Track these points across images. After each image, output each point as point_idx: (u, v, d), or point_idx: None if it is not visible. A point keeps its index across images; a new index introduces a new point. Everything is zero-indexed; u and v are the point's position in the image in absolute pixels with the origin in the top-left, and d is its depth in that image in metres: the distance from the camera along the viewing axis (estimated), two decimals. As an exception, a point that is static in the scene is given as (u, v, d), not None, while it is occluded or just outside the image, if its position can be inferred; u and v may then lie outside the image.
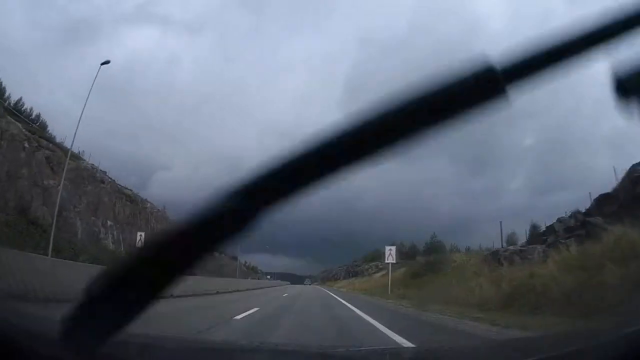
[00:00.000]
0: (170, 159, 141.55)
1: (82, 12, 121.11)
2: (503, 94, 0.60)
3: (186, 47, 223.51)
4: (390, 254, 21.58)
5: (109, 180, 35.02)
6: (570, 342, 1.44)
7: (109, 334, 0.75)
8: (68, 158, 23.35)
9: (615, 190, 12.78)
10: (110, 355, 1.08)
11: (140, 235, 26.25)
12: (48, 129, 35.85)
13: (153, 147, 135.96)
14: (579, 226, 13.26)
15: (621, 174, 12.80)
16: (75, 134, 22.93)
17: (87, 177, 31.98)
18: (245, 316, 7.93)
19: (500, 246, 22.92)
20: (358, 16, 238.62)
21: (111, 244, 29.68)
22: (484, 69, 0.59)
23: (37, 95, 67.74)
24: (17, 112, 31.04)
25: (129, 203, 34.61)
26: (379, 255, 65.21)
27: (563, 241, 12.53)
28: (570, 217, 15.19)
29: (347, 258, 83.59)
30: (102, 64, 24.99)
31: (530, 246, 14.21)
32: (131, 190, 36.31)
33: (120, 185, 35.65)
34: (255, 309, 9.41)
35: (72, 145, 24.77)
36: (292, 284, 79.97)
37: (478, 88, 0.61)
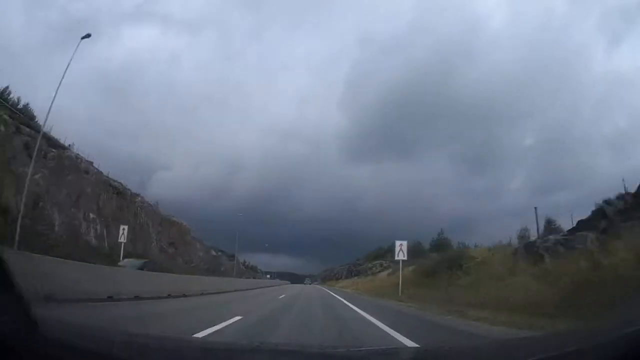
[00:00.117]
0: (170, 159, 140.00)
1: (82, 11, 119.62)
2: None
3: (186, 47, 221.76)
4: (401, 250, 19.06)
5: (95, 171, 32.59)
6: (570, 342, 1.48)
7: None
8: (40, 136, 20.85)
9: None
10: (111, 356, 1.21)
11: (123, 228, 23.79)
12: (36, 120, 33.82)
13: (153, 147, 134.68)
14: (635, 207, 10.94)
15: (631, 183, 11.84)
16: (50, 109, 20.48)
17: (69, 167, 29.52)
18: (214, 332, 5.32)
19: (519, 239, 20.67)
20: (358, 16, 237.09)
21: (93, 239, 27.20)
22: None
23: (37, 95, 66.35)
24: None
25: (116, 195, 32.13)
26: (383, 254, 62.81)
27: (623, 225, 10.11)
28: (618, 199, 12.79)
29: (348, 257, 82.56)
30: (83, 37, 22.66)
31: (579, 233, 11.66)
32: (119, 182, 33.82)
33: (107, 176, 33.19)
34: (236, 319, 6.82)
35: (45, 123, 22.30)
36: (292, 283, 77.84)
37: None
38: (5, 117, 27.27)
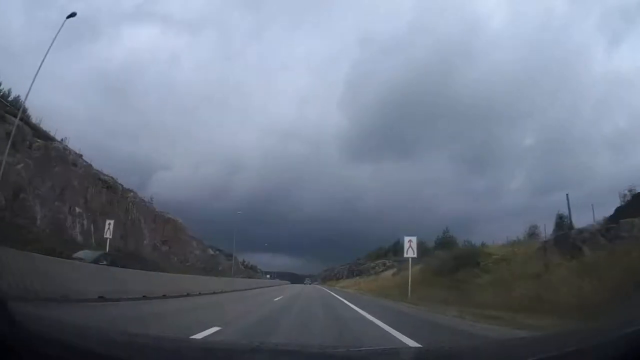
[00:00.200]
0: (169, 159, 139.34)
1: (82, 11, 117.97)
2: None
3: (186, 47, 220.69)
4: (411, 247, 17.34)
5: (84, 163, 30.92)
6: (570, 342, 1.47)
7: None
8: (18, 118, 19.19)
9: None
10: (111, 356, 1.21)
11: (109, 223, 22.11)
12: (27, 112, 32.34)
13: (153, 147, 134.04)
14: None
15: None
16: (29, 89, 18.89)
17: (55, 158, 27.86)
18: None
19: (529, 236, 19.02)
20: (358, 16, 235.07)
21: (79, 235, 25.53)
22: None
23: (36, 94, 65.23)
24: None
25: (106, 190, 30.44)
26: (385, 253, 61.17)
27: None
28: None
29: (348, 257, 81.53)
30: (68, 17, 21.22)
31: (624, 220, 9.97)
32: (109, 176, 32.13)
33: (96, 170, 31.52)
34: (212, 331, 5.12)
35: (24, 103, 20.69)
36: (292, 283, 76.21)
37: None
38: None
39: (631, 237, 9.22)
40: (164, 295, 11.16)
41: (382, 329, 6.41)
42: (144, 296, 9.93)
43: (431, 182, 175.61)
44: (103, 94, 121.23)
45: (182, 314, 7.77)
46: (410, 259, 17.51)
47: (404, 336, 5.48)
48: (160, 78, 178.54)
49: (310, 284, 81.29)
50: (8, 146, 18.34)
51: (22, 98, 31.12)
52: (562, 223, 22.79)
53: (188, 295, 13.07)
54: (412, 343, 4.94)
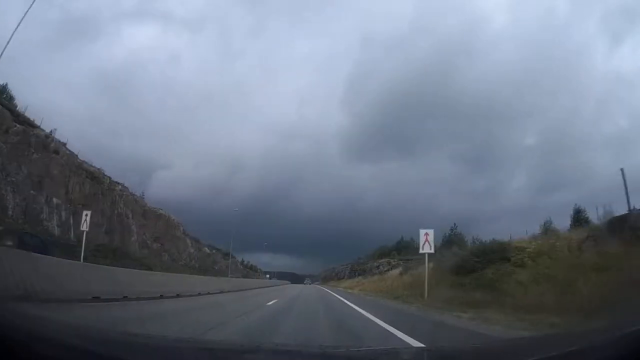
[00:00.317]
0: (169, 158, 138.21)
1: (82, 10, 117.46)
2: None
3: (187, 46, 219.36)
4: (427, 241, 15.00)
5: (67, 152, 28.68)
6: (570, 342, 1.49)
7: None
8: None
9: None
10: (111, 356, 1.20)
11: (86, 214, 19.84)
12: (16, 103, 30.30)
13: (153, 146, 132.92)
14: None
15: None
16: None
17: (35, 145, 25.62)
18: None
19: (544, 231, 16.94)
20: (360, 15, 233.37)
21: (56, 227, 23.26)
22: None
23: (36, 93, 64.07)
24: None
25: (90, 181, 28.17)
26: (388, 252, 58.83)
27: None
28: None
29: (348, 257, 79.80)
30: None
31: None
32: (94, 167, 29.86)
33: (81, 160, 29.27)
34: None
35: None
36: (292, 283, 74.09)
37: None
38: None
39: None
40: (125, 297, 8.85)
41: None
42: (94, 298, 7.64)
43: (431, 181, 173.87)
44: (103, 93, 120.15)
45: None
46: (426, 255, 15.16)
47: None
48: (160, 77, 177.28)
49: (310, 284, 79.16)
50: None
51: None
52: (580, 217, 20.68)
53: (161, 297, 10.75)
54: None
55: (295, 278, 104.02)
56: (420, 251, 15.15)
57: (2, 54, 14.86)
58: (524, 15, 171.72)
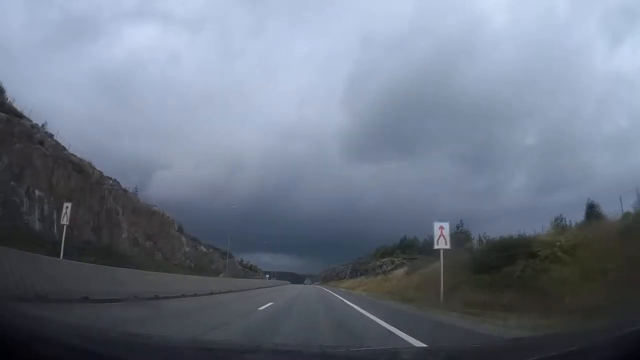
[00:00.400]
0: (169, 158, 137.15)
1: (81, 10, 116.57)
2: None
3: (187, 46, 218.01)
4: (442, 235, 13.34)
5: (53, 143, 27.02)
6: (570, 342, 1.49)
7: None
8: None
9: None
10: (111, 356, 1.20)
11: (67, 206, 18.24)
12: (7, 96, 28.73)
13: (153, 146, 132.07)
14: None
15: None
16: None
17: (18, 135, 23.94)
18: None
19: (554, 227, 15.39)
20: (360, 15, 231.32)
21: (37, 222, 21.58)
22: None
23: (36, 93, 63.08)
24: None
25: (77, 174, 26.48)
26: (391, 251, 57.10)
27: None
28: None
29: (349, 257, 78.70)
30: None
31: None
32: (81, 159, 28.17)
33: (67, 151, 27.58)
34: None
35: None
36: (292, 283, 72.56)
37: None
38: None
39: None
40: (87, 298, 7.17)
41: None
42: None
43: (431, 181, 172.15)
44: (103, 93, 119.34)
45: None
46: (441, 252, 13.49)
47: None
48: (160, 77, 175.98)
49: (310, 284, 77.61)
50: None
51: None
52: (593, 212, 19.24)
53: (135, 297, 9.05)
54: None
55: (295, 278, 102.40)
56: (435, 246, 13.48)
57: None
58: (524, 15, 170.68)
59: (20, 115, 26.68)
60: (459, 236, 38.43)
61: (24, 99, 28.53)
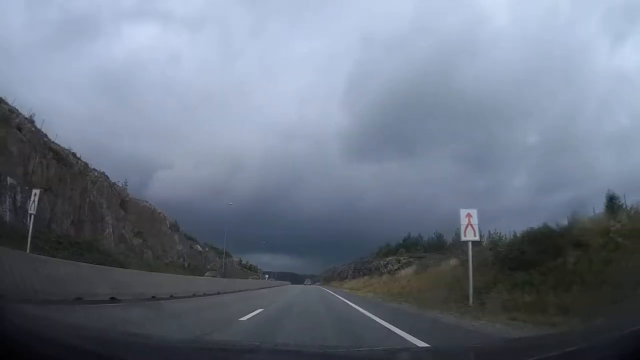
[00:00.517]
0: (169, 158, 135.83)
1: (81, 10, 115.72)
2: None
3: (187, 46, 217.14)
4: (470, 224, 11.07)
5: (32, 129, 24.85)
6: (570, 342, 1.51)
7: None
8: None
9: None
10: (111, 356, 1.19)
11: (35, 193, 16.21)
12: None
13: (153, 146, 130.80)
14: None
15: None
16: None
17: (-9, 119, 21.79)
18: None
19: (572, 217, 13.26)
20: (360, 14, 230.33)
21: (8, 212, 19.35)
22: None
23: (36, 93, 61.68)
24: None
25: (56, 162, 24.27)
26: (394, 250, 54.80)
27: None
28: None
29: (349, 257, 77.70)
30: None
31: None
32: (62, 147, 25.98)
33: (47, 138, 25.40)
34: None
35: None
36: (292, 283, 70.61)
37: None
38: None
39: None
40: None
41: None
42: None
43: (431, 181, 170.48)
44: (103, 93, 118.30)
45: None
46: (470, 245, 11.23)
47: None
48: (160, 77, 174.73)
49: (311, 284, 75.67)
50: None
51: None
52: (614, 204, 17.16)
53: (112, 298, 6.83)
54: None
55: (295, 278, 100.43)
56: (463, 238, 11.22)
57: None
58: (524, 14, 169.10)
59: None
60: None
61: (24, 99, 26.88)
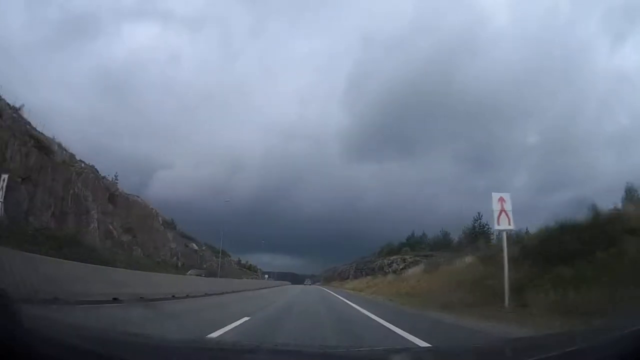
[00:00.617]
0: (169, 158, 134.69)
1: (81, 10, 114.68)
2: None
3: (187, 46, 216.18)
4: (503, 211, 9.25)
5: (13, 116, 23.06)
6: (570, 342, 1.50)
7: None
8: None
9: None
10: (111, 356, 1.18)
11: (4, 179, 14.62)
12: None
13: (153, 146, 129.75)
14: None
15: None
16: None
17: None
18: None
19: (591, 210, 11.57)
20: (360, 15, 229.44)
21: (-26, 203, 17.56)
22: None
23: (36, 93, 60.41)
24: None
25: (37, 150, 22.46)
26: (398, 249, 52.96)
27: None
28: None
29: (349, 257, 76.57)
30: None
31: None
32: (44, 134, 24.18)
33: (29, 125, 23.60)
34: None
35: None
36: (292, 283, 69.09)
37: None
38: None
39: None
40: None
41: None
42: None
43: (431, 181, 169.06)
44: (103, 93, 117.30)
45: None
46: (504, 235, 9.40)
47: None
48: (160, 77, 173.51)
49: (311, 284, 74.12)
50: None
51: None
52: (633, 196, 15.53)
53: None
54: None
55: (296, 278, 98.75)
56: (496, 227, 9.42)
57: None
58: (524, 14, 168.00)
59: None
60: (477, 231, 34.61)
61: (24, 99, 25.35)
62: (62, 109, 70.50)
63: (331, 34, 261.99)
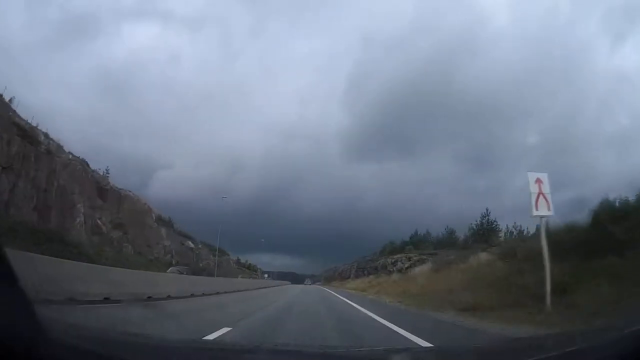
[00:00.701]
0: (169, 158, 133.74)
1: (81, 10, 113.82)
2: None
3: (187, 46, 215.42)
4: (541, 194, 7.75)
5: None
6: (570, 342, 1.48)
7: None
8: None
9: None
10: (111, 356, 1.18)
11: None
12: None
13: (153, 146, 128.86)
14: None
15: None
16: None
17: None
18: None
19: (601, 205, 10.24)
20: (360, 15, 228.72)
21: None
22: None
23: (36, 93, 59.35)
24: None
25: (20, 139, 21.00)
26: (401, 247, 51.36)
27: None
28: None
29: (349, 257, 74.90)
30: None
31: None
32: (27, 121, 22.73)
33: (13, 113, 22.16)
34: None
35: None
36: (292, 283, 68.00)
37: None
38: None
39: None
40: None
41: None
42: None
43: (431, 181, 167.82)
44: (103, 93, 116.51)
45: None
46: (543, 222, 7.89)
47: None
48: (160, 77, 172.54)
49: (311, 284, 72.92)
50: None
51: None
52: None
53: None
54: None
55: (296, 278, 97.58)
56: (534, 213, 7.81)
57: None
58: (524, 14, 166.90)
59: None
60: (483, 230, 33.14)
61: (24, 99, 24.16)
62: (62, 109, 69.73)
63: (331, 34, 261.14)
